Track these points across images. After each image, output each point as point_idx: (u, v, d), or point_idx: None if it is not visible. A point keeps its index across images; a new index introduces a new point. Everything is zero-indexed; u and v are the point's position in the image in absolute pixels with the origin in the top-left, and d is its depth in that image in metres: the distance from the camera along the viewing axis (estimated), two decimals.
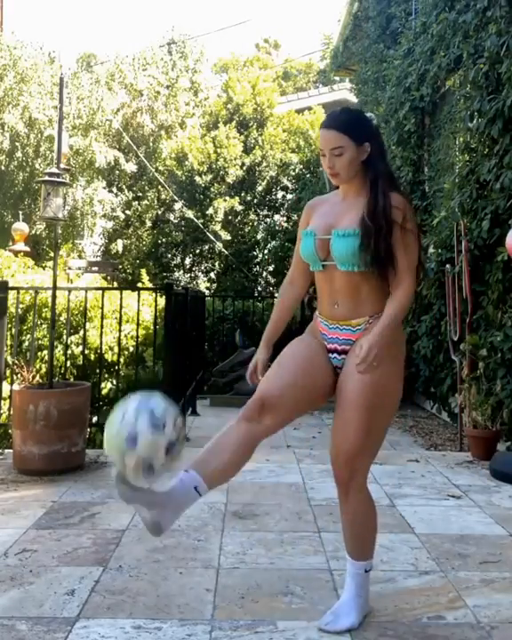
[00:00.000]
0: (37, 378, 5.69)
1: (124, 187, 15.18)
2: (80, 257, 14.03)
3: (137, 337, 5.38)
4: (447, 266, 5.20)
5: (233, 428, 1.99)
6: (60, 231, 5.27)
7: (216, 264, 12.89)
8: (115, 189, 15.05)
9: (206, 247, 12.82)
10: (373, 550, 2.18)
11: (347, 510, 2.12)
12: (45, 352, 5.90)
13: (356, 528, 2.13)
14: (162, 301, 4.82)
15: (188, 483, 1.89)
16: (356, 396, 2.03)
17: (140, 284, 9.75)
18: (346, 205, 2.16)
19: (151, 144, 15.38)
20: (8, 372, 4.96)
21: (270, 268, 12.30)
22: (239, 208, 12.41)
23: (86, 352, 5.66)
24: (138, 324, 5.24)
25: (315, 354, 2.14)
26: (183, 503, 1.90)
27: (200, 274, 13.54)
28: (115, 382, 5.67)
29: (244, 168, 12.69)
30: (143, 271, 11.20)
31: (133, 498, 1.84)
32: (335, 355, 2.13)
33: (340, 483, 2.10)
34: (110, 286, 9.32)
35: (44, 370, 5.92)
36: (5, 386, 4.69)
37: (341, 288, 2.11)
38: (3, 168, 12.54)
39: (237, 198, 12.41)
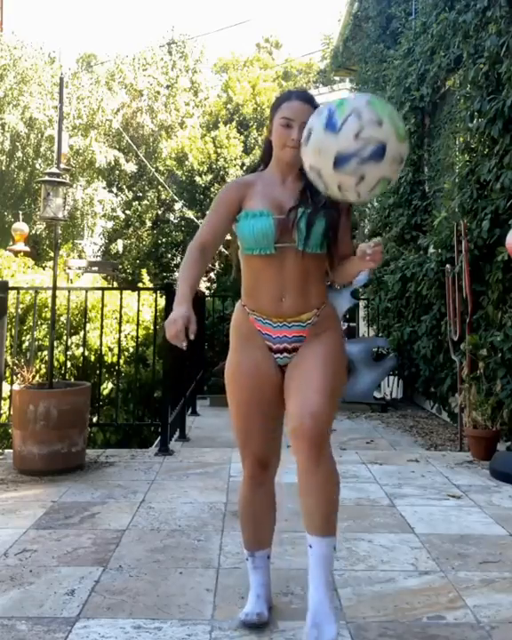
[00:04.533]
0: (37, 378, 5.70)
1: (124, 187, 15.20)
2: (80, 257, 14.06)
3: (137, 337, 5.39)
4: (447, 266, 5.20)
5: (254, 497, 2.17)
6: (60, 231, 5.27)
7: (216, 264, 12.90)
8: (115, 189, 15.08)
9: None
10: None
11: (319, 478, 1.99)
12: (45, 352, 5.90)
13: (330, 495, 2.01)
14: (162, 301, 4.82)
15: (262, 564, 2.18)
16: (320, 364, 1.98)
17: (140, 284, 9.76)
18: (292, 187, 2.05)
19: (151, 144, 15.41)
20: (8, 372, 4.96)
21: None
22: None
23: (86, 353, 5.67)
24: (138, 324, 5.25)
25: (263, 374, 2.03)
26: (269, 580, 2.19)
27: None
28: (115, 382, 5.67)
29: (245, 168, 12.68)
30: (143, 271, 11.21)
31: None
32: (285, 354, 2.03)
33: (313, 446, 1.95)
34: (110, 286, 9.33)
35: (43, 370, 5.92)
36: (5, 386, 4.69)
37: (293, 275, 1.99)
38: (3, 168, 12.55)
39: None
